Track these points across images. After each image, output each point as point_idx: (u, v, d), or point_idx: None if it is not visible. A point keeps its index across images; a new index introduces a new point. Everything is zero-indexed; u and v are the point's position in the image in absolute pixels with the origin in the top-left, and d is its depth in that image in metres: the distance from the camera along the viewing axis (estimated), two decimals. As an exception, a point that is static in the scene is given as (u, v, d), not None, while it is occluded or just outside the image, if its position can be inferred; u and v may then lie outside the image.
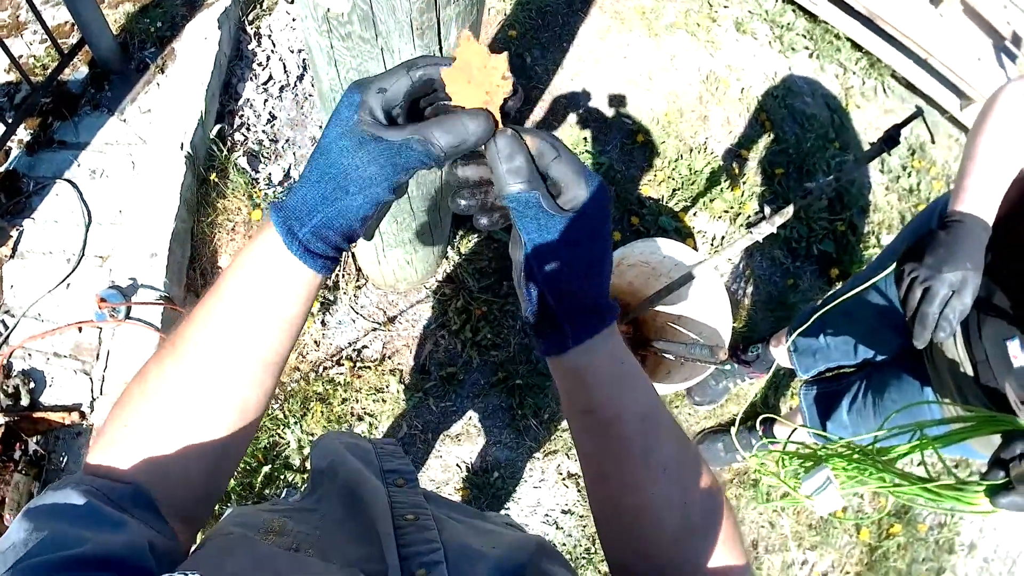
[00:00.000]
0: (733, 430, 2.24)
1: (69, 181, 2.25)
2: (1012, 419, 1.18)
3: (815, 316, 1.81)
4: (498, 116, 0.60)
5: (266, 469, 2.20)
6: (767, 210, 2.74)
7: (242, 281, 0.63)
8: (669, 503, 0.65)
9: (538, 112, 2.92)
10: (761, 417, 2.47)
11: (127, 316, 2.09)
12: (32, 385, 2.01)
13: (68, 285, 2.14)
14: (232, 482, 2.15)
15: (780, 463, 1.73)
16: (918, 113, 1.62)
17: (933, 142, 1.94)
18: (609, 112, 3.00)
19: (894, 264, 1.48)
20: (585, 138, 2.88)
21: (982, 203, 1.30)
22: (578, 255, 0.61)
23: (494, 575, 0.62)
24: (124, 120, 2.38)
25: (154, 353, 0.66)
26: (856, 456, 1.45)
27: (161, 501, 0.62)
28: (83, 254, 2.17)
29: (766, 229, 1.79)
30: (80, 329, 2.09)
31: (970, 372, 1.47)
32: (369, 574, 0.60)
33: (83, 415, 2.02)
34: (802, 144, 3.16)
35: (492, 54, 0.58)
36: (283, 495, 2.18)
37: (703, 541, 0.65)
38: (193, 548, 0.66)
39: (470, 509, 0.95)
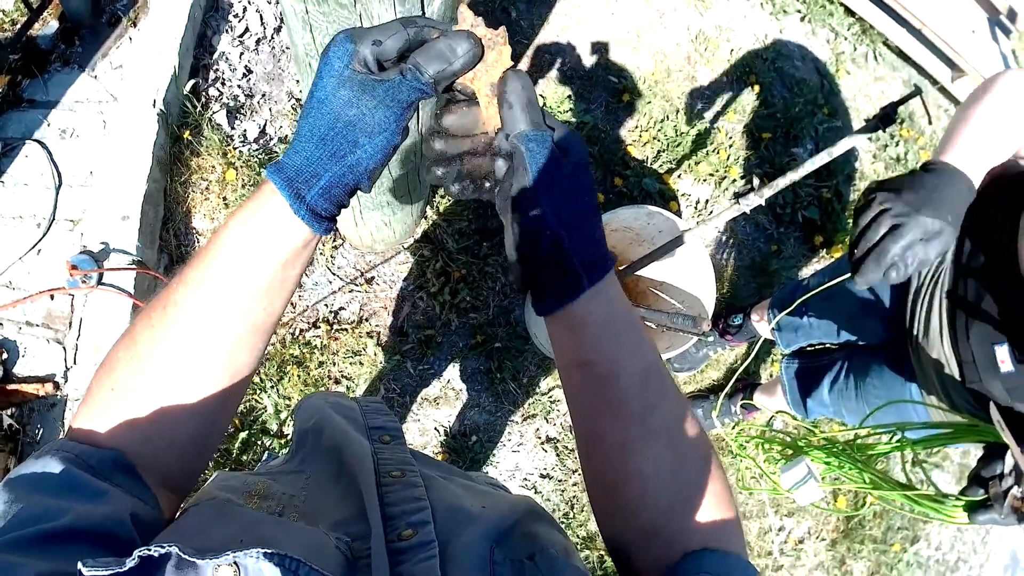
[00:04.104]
0: (715, 411, 2.23)
1: (39, 142, 2.18)
2: (992, 429, 1.16)
3: (798, 301, 1.78)
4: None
5: (243, 435, 2.18)
6: (755, 180, 2.71)
7: (240, 245, 0.62)
8: (663, 468, 0.64)
9: (522, 67, 2.84)
10: (743, 402, 2.47)
11: (99, 282, 2.05)
12: (4, 356, 1.97)
13: (39, 251, 2.09)
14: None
15: (760, 447, 1.73)
16: (916, 92, 1.58)
17: (931, 123, 1.91)
18: (595, 70, 2.93)
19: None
20: (570, 96, 2.82)
21: (972, 162, 1.18)
22: (584, 195, 0.62)
23: (483, 537, 0.61)
24: (95, 77, 2.31)
25: (141, 315, 0.64)
26: (836, 450, 1.46)
27: (144, 468, 0.61)
28: (53, 218, 2.12)
29: (755, 201, 1.74)
30: (52, 297, 2.04)
31: (956, 372, 1.45)
32: (352, 536, 0.59)
33: (57, 386, 1.98)
34: (790, 109, 3.12)
35: (490, 28, 0.61)
36: (264, 458, 2.17)
37: (695, 507, 0.64)
38: (178, 514, 0.65)
39: (456, 469, 0.94)
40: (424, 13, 1.18)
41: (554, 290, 0.63)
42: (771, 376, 2.72)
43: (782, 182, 1.70)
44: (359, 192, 0.65)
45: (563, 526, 2.42)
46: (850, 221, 2.91)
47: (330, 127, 0.59)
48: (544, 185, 0.60)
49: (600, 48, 2.97)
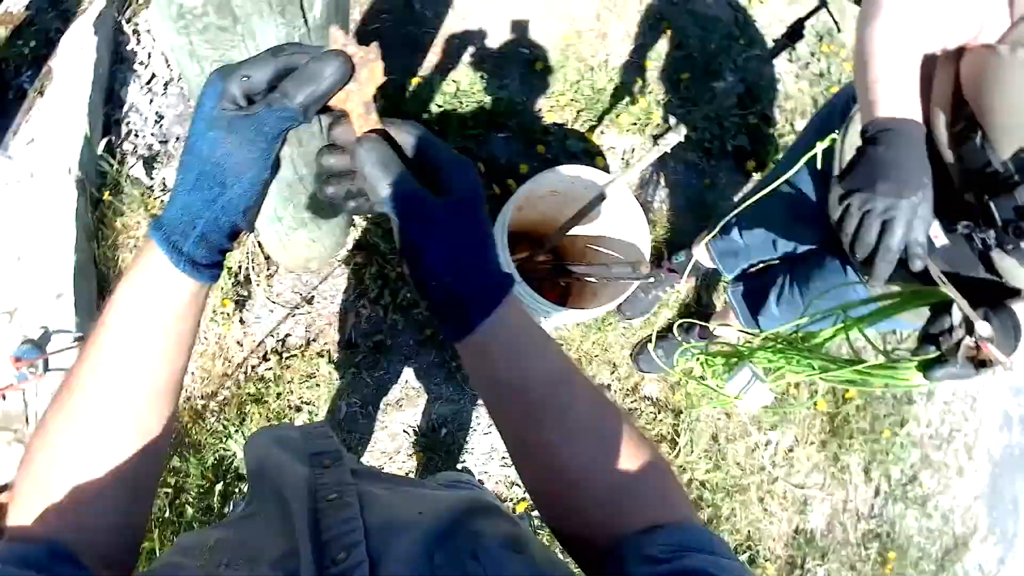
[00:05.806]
0: (677, 353, 2.24)
1: (-39, 238, 2.17)
2: (936, 291, 1.15)
3: (725, 219, 1.79)
4: (373, 112, 0.61)
5: (219, 487, 2.18)
6: (671, 119, 2.71)
7: (129, 308, 0.62)
8: (595, 456, 0.66)
9: (432, 58, 2.86)
10: (679, 322, 2.48)
11: (46, 368, 2.03)
12: (-34, 470, 1.92)
13: (-20, 351, 2.06)
14: (190, 510, 2.15)
15: (705, 365, 1.74)
16: (822, 4, 1.58)
17: (839, 31, 1.92)
18: (506, 46, 2.94)
19: (801, 161, 1.47)
20: (483, 76, 2.83)
21: (903, 102, 1.16)
22: (464, 236, 0.62)
23: (420, 543, 0.61)
24: (9, 157, 2.31)
25: (52, 399, 0.65)
26: (780, 346, 1.46)
27: (81, 552, 0.60)
28: (-12, 315, 2.10)
29: (673, 139, 1.75)
30: (3, 397, 2.01)
31: None
32: (289, 571, 0.59)
33: (26, 489, 1.95)
34: (706, 46, 3.11)
35: (362, 47, 0.59)
36: (230, 508, 2.17)
37: (636, 483, 0.66)
38: None
39: (405, 479, 0.95)
40: (306, 19, 1.18)
41: (447, 324, 0.65)
42: (724, 305, 2.74)
43: (697, 114, 1.73)
44: (247, 231, 0.65)
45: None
46: (781, 140, 2.93)
47: (199, 173, 0.58)
48: (415, 236, 0.60)
49: (508, 24, 2.97)
